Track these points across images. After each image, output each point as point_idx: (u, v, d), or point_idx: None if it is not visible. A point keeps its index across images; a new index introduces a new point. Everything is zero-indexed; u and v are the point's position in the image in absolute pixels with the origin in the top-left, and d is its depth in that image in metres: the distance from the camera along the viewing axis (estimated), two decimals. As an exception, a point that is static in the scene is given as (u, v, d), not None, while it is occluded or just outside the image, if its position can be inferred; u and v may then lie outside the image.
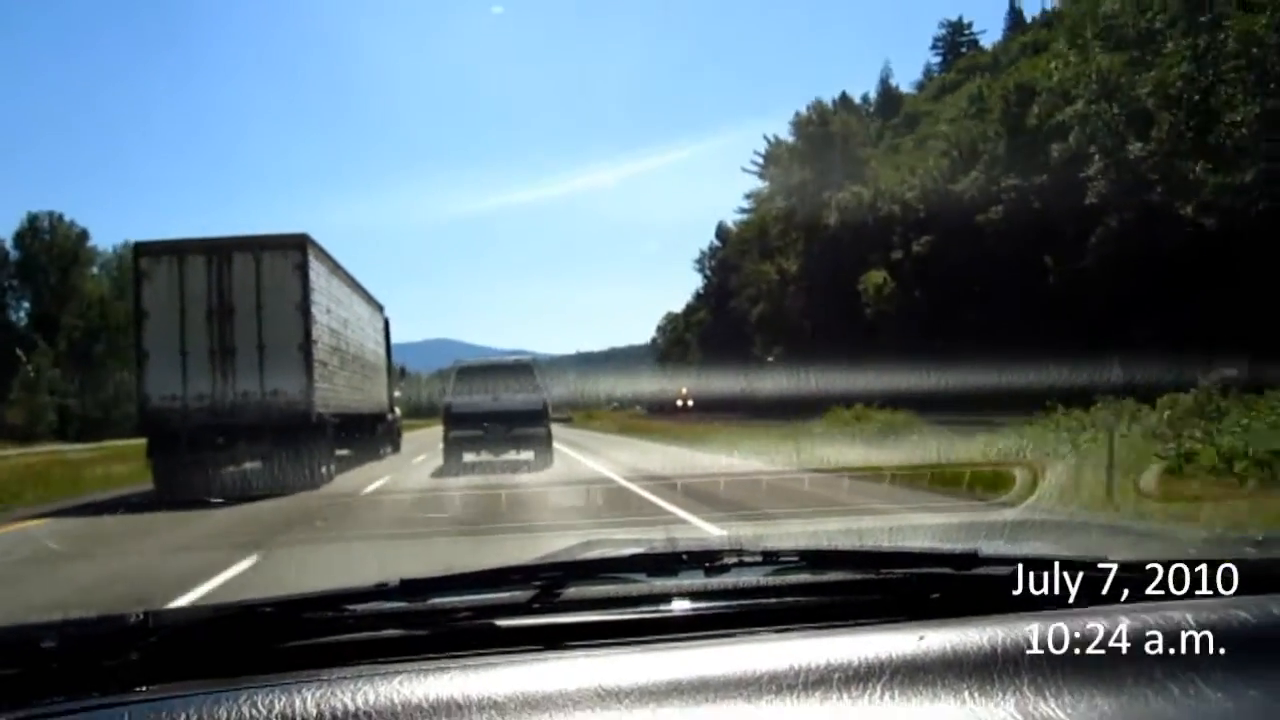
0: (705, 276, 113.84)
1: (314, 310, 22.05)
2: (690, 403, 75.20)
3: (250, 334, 21.14)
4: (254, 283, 21.22)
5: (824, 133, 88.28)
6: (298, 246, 21.92)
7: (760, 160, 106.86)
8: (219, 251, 21.40)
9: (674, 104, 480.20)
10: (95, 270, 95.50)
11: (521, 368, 26.39)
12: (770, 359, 78.35)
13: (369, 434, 29.53)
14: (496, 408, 24.09)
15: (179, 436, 20.53)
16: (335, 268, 25.09)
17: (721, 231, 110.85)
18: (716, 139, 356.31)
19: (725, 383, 68.72)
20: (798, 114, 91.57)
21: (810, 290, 78.04)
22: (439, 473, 23.22)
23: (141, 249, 22.05)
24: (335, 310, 24.37)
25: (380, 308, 31.95)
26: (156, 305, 21.21)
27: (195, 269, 21.08)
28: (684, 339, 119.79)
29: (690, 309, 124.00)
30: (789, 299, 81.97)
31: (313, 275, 22.14)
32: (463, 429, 24.27)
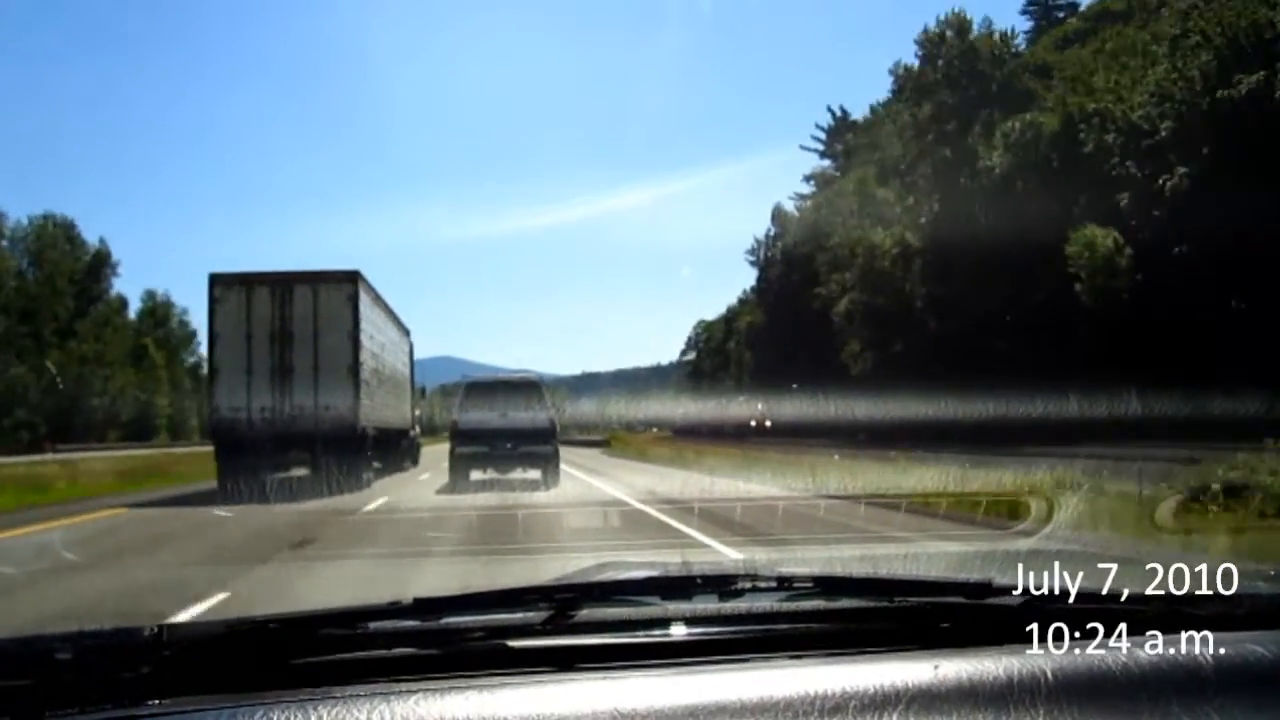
0: (759, 270, 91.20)
1: (361, 337, 24.42)
2: (768, 423, 56.70)
3: (307, 356, 23.58)
4: (311, 311, 23.72)
5: (966, 51, 58.65)
6: (350, 281, 24.39)
7: (823, 134, 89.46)
8: (282, 283, 23.94)
9: (698, 129, 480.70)
10: (4, 243, 77.79)
11: (530, 385, 25.23)
12: (862, 367, 57.61)
13: (395, 447, 30.90)
14: (504, 425, 23.07)
15: (242, 443, 22.79)
16: (377, 298, 27.37)
17: (779, 216, 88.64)
18: (738, 165, 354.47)
19: (796, 400, 50.57)
20: (925, 30, 60.29)
21: (946, 266, 50.77)
22: (446, 490, 22.26)
23: (216, 279, 23.98)
24: (376, 336, 26.62)
25: (407, 332, 33.85)
26: (226, 328, 23.64)
27: (261, 298, 23.62)
28: (724, 349, 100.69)
29: (733, 312, 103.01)
30: (911, 280, 55.21)
31: (362, 306, 24.54)
32: (470, 446, 23.23)
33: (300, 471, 23.48)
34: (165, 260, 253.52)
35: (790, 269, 79.84)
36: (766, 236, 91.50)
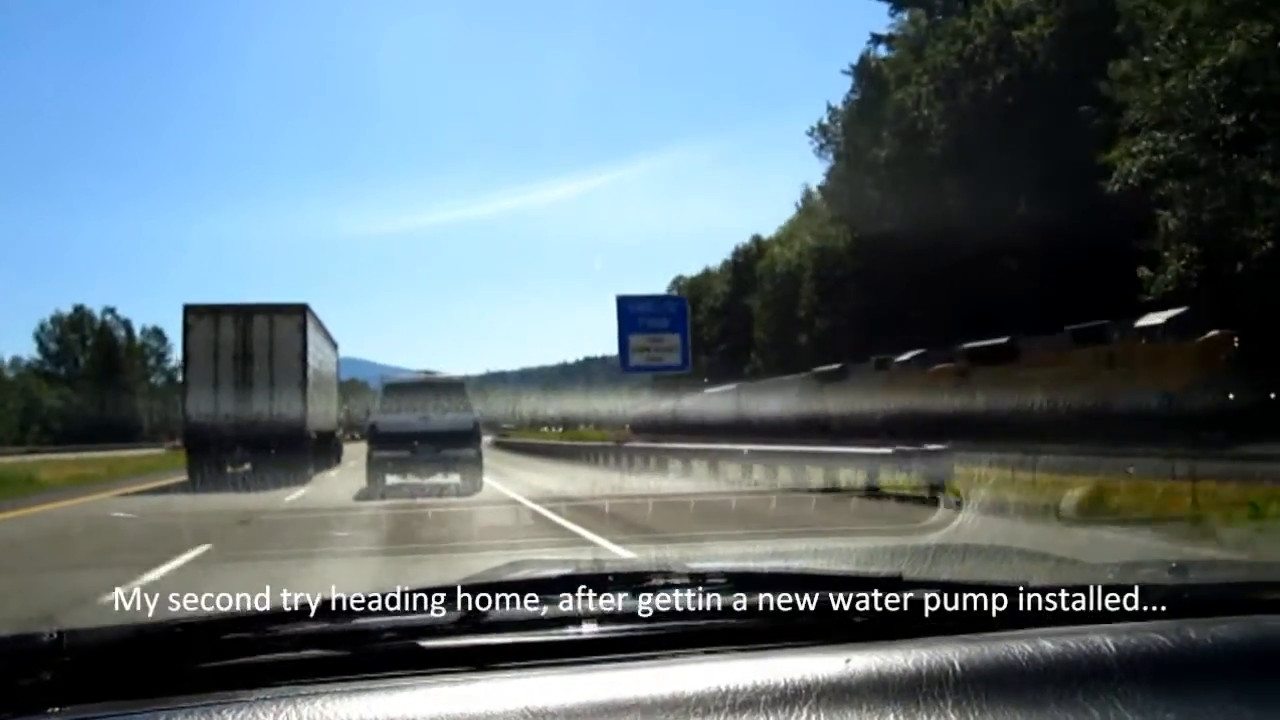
0: (835, 159, 56.24)
1: (308, 358, 27.88)
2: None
3: (264, 373, 27.26)
4: (268, 337, 27.53)
5: None
6: (300, 312, 28.24)
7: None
8: (244, 313, 27.68)
9: (603, 127, 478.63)
10: None
11: (452, 386, 23.58)
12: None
13: (325, 447, 33.49)
14: (425, 428, 21.60)
15: (209, 443, 26.17)
16: (318, 324, 30.83)
17: (867, 70, 54.38)
18: (642, 163, 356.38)
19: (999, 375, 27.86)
20: None
21: None
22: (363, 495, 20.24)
23: (189, 309, 27.54)
24: (316, 354, 29.88)
25: (335, 346, 36.79)
26: (197, 350, 27.35)
27: (227, 325, 27.38)
28: (733, 307, 64.32)
29: (742, 256, 67.78)
30: None
31: (309, 333, 28.14)
32: (388, 449, 21.51)
33: (256, 466, 26.35)
34: (69, 241, 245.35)
35: (915, 143, 44.79)
36: (847, 108, 55.42)
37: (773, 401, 41.70)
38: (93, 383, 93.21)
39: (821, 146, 57.25)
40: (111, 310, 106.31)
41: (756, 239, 67.24)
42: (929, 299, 39.97)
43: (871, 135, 49.54)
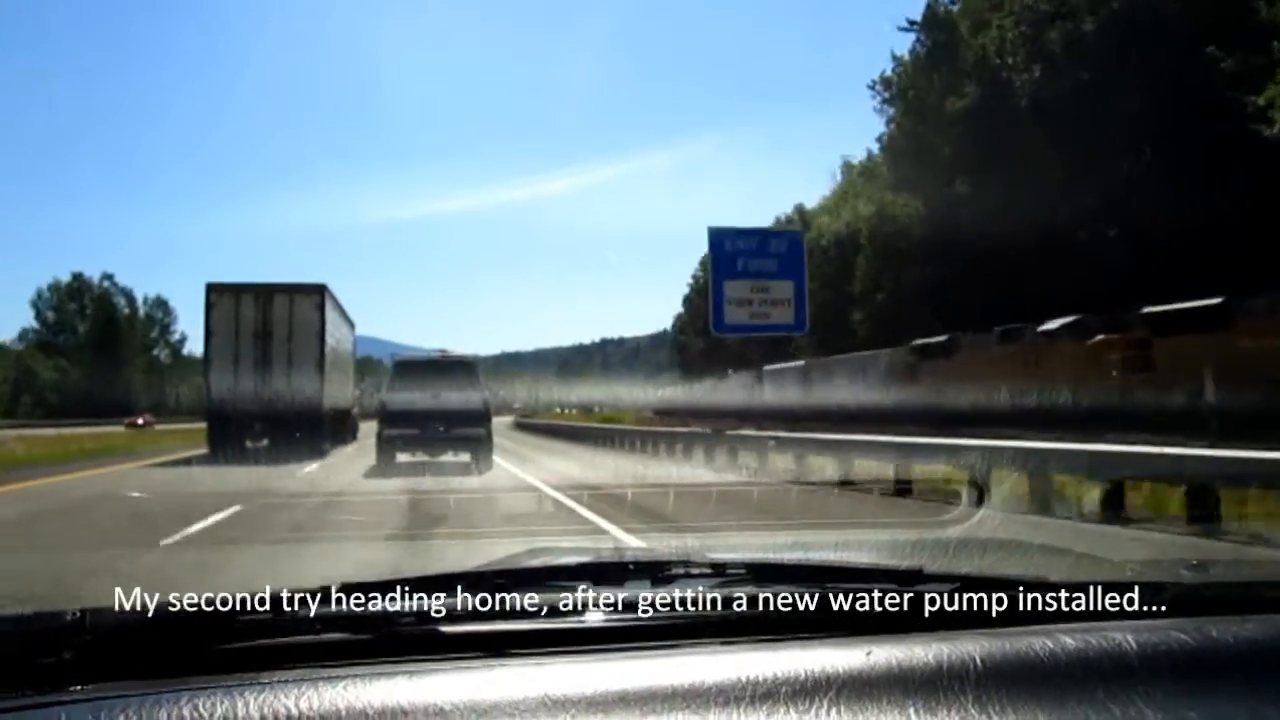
0: (899, 106, 47.87)
1: (326, 337, 28.53)
2: None
3: (283, 352, 28.02)
4: (287, 316, 28.22)
5: None
6: (319, 292, 28.96)
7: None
8: (264, 293, 28.47)
9: (618, 117, 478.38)
10: None
11: (462, 365, 23.43)
12: None
13: (342, 424, 34.25)
14: (435, 406, 21.44)
15: (230, 418, 26.88)
16: (336, 304, 31.31)
17: (935, 20, 46.66)
18: (659, 153, 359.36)
19: None
20: None
21: None
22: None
23: (211, 287, 28.31)
24: (334, 333, 30.47)
25: (352, 325, 37.21)
26: (219, 328, 28.01)
27: (248, 304, 28.09)
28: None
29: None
30: None
31: (326, 312, 28.75)
32: (398, 427, 21.50)
33: (276, 440, 26.91)
34: (93, 230, 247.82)
35: (996, 93, 39.24)
36: (913, 58, 47.99)
37: (855, 384, 34.46)
38: (91, 354, 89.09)
39: (884, 100, 49.92)
40: (110, 277, 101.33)
41: (800, 209, 60.13)
42: (1009, 269, 33.42)
43: (944, 86, 43.34)
